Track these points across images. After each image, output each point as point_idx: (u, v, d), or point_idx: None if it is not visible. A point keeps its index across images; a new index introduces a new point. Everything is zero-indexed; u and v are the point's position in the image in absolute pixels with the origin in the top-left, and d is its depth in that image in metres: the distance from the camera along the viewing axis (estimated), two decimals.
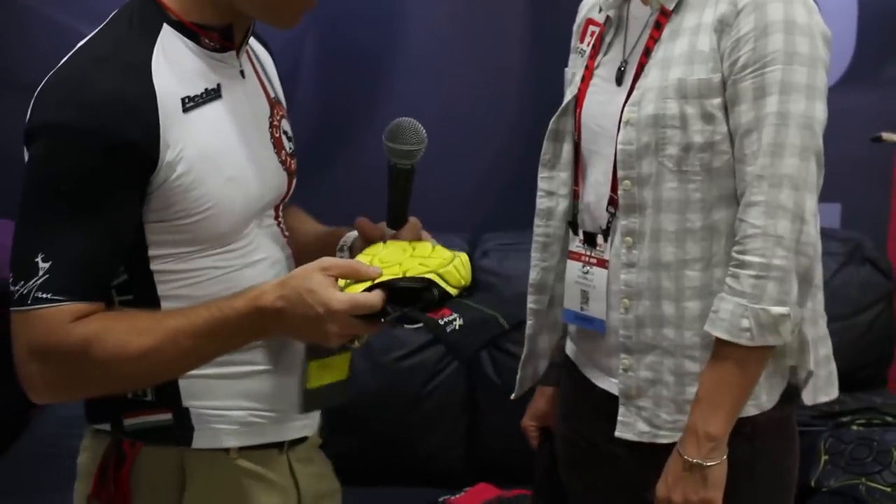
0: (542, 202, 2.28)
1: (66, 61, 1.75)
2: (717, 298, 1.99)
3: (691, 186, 2.02)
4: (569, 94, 2.23)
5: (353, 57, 3.93)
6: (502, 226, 3.86)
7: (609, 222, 2.13)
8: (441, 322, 1.73)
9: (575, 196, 2.23)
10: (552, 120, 2.24)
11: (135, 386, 1.81)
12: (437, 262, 1.79)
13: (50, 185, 1.67)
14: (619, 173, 2.07)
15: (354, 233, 2.04)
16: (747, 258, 1.95)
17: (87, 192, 1.66)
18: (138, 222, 1.73)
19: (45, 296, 1.65)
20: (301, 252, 2.02)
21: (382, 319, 1.73)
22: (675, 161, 2.02)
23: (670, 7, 2.06)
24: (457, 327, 1.73)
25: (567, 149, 2.22)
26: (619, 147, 2.07)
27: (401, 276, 1.76)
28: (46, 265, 1.65)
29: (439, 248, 1.86)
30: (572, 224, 2.23)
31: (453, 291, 1.79)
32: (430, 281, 1.76)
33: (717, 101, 1.98)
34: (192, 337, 1.71)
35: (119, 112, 1.65)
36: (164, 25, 1.78)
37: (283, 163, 1.95)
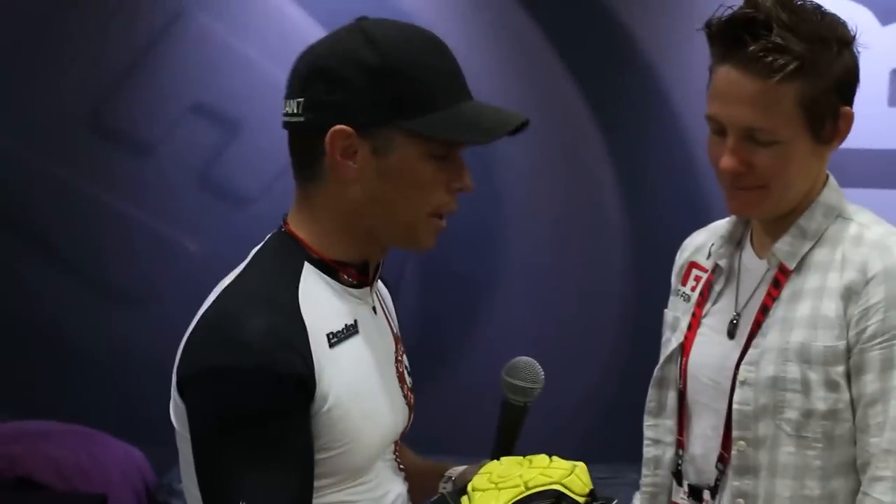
0: (648, 451, 2.23)
1: (213, 304, 1.76)
2: None
3: (811, 453, 1.97)
4: (674, 340, 2.19)
5: (452, 280, 3.96)
6: (597, 457, 3.79)
7: (718, 479, 2.07)
8: None
9: (679, 445, 2.17)
10: (657, 367, 2.21)
11: None
12: (560, 472, 1.79)
13: (228, 431, 1.66)
14: (735, 433, 2.03)
15: (462, 467, 2.02)
16: None
17: (265, 429, 1.66)
18: (313, 448, 1.74)
19: None
20: (411, 482, 2.00)
21: None
22: (795, 426, 1.97)
23: (791, 266, 2.03)
24: None
25: (672, 396, 2.18)
26: (735, 407, 2.03)
27: (523, 488, 1.75)
28: None
29: (556, 459, 1.84)
30: (676, 474, 2.17)
31: (581, 501, 1.77)
32: (558, 493, 1.76)
33: (841, 368, 1.95)
34: None
35: (279, 347, 1.67)
36: (306, 263, 1.81)
37: (405, 397, 1.95)
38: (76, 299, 4.45)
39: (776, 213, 2.04)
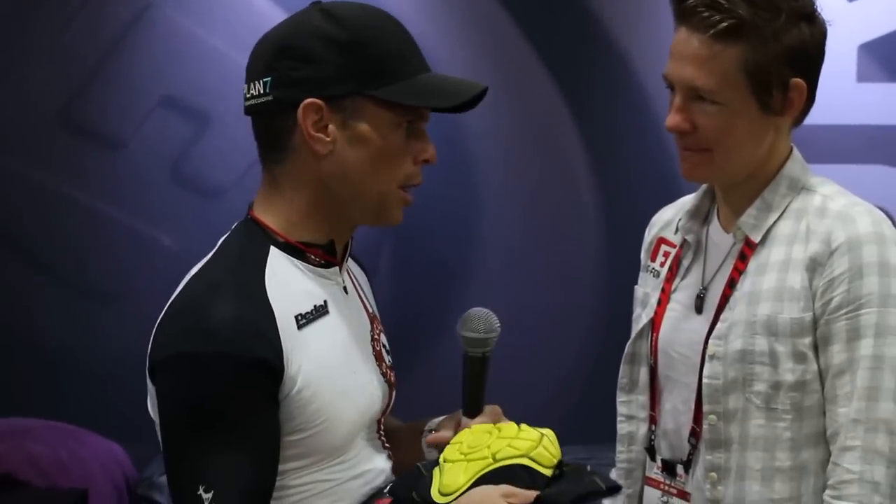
0: (622, 427, 2.24)
1: (180, 292, 1.79)
2: None
3: (781, 425, 1.98)
4: (644, 316, 2.20)
5: (425, 268, 3.96)
6: (575, 439, 3.80)
7: (690, 454, 2.08)
8: None
9: (651, 421, 2.19)
10: (628, 343, 2.22)
11: None
12: (527, 444, 1.80)
13: (190, 417, 1.70)
14: (705, 407, 2.04)
15: (436, 420, 2.05)
16: None
17: (228, 416, 1.69)
18: (279, 433, 1.76)
19: None
20: (396, 451, 2.03)
21: None
22: (764, 398, 1.98)
23: (756, 239, 2.04)
24: None
25: (643, 372, 2.19)
26: (704, 381, 2.04)
27: (491, 460, 1.78)
28: (209, 495, 1.67)
29: (525, 427, 1.86)
30: (649, 450, 2.18)
31: (548, 473, 1.79)
32: (525, 468, 1.78)
33: (809, 340, 1.96)
34: None
35: (244, 333, 1.70)
36: (272, 248, 1.83)
37: (384, 375, 1.97)
38: (52, 296, 4.44)
39: (726, 180, 2.06)
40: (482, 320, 1.95)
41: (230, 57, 4.16)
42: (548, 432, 1.84)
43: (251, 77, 1.83)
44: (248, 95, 1.84)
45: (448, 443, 1.89)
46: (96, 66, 4.36)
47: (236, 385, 1.69)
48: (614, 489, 1.86)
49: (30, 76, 4.34)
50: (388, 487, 1.89)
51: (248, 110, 1.85)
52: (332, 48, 1.78)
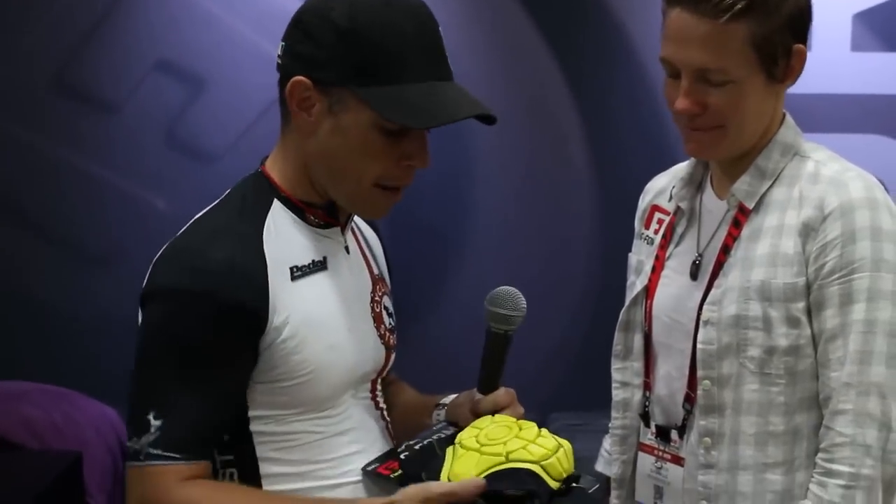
0: (617, 394, 2.25)
1: (182, 233, 1.83)
2: None
3: (774, 390, 1.99)
4: (638, 283, 2.21)
5: (420, 235, 3.96)
6: (569, 406, 3.82)
7: (685, 419, 2.09)
8: None
9: (646, 387, 2.20)
10: (623, 310, 2.22)
11: None
12: (542, 452, 1.80)
13: (163, 346, 1.76)
14: (699, 373, 2.05)
15: (451, 396, 2.07)
16: (835, 467, 1.92)
17: (199, 354, 1.74)
18: (246, 383, 1.80)
19: (156, 452, 1.72)
20: (402, 419, 2.06)
21: None
22: (758, 363, 1.99)
23: (750, 206, 2.04)
24: None
25: (638, 339, 2.20)
26: (699, 346, 2.05)
27: (503, 459, 1.77)
28: (158, 422, 1.73)
29: (545, 433, 1.85)
30: (643, 416, 2.19)
31: (554, 485, 1.78)
32: (534, 475, 1.77)
33: (802, 304, 1.97)
34: None
35: (231, 277, 1.74)
36: (275, 201, 1.87)
37: (381, 337, 1.99)
38: (46, 260, 4.44)
39: (733, 153, 2.06)
40: (510, 298, 1.97)
41: (225, 21, 4.14)
42: (565, 444, 1.84)
43: (282, 37, 1.87)
44: (277, 54, 1.87)
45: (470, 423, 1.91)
46: (91, 29, 4.34)
47: (214, 326, 1.74)
48: None
49: (24, 39, 4.33)
50: (404, 456, 1.89)
51: (277, 68, 1.88)
52: (330, 33, 1.79)
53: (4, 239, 4.44)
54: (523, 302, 1.98)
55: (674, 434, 2.12)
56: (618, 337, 2.24)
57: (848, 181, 1.98)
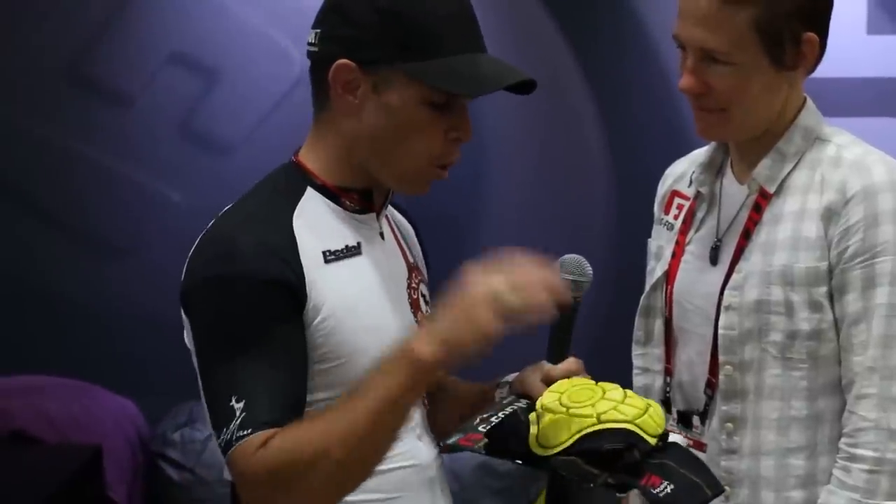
0: (638, 380, 2.24)
1: (211, 226, 1.85)
2: (825, 491, 1.96)
3: (796, 374, 1.99)
4: (658, 268, 2.20)
5: (435, 223, 3.95)
6: None
7: (706, 405, 2.09)
8: (654, 491, 1.70)
9: (667, 373, 2.19)
10: (643, 296, 2.22)
11: (352, 477, 1.76)
12: (634, 411, 1.78)
13: (217, 333, 1.76)
14: (721, 358, 2.04)
15: (512, 375, 2.03)
16: (859, 451, 1.92)
17: (255, 330, 1.74)
18: (305, 347, 1.79)
19: (244, 433, 1.71)
20: (448, 406, 2.04)
21: (592, 485, 1.72)
22: (780, 348, 1.99)
23: (772, 190, 2.04)
24: (669, 491, 1.71)
25: (658, 324, 2.20)
26: (720, 332, 2.04)
27: (595, 420, 1.75)
28: (241, 405, 1.71)
29: (632, 394, 1.83)
30: (665, 402, 2.18)
31: (652, 441, 1.76)
32: (632, 433, 1.74)
33: (824, 289, 1.97)
34: (362, 398, 1.71)
35: (265, 256, 1.76)
36: (308, 188, 1.87)
37: (419, 323, 1.97)
38: (62, 252, 4.44)
39: (742, 137, 2.06)
40: (576, 264, 1.98)
41: (239, 13, 4.14)
42: (653, 404, 1.82)
43: (313, 25, 1.87)
44: (308, 42, 1.87)
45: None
46: (105, 21, 4.34)
47: (259, 302, 1.74)
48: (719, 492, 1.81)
49: (38, 31, 4.33)
50: (486, 427, 1.85)
51: (308, 56, 1.88)
52: (371, 13, 1.80)
53: (21, 232, 4.44)
54: (590, 269, 1.98)
55: (695, 420, 2.11)
56: (638, 322, 2.23)
57: (870, 165, 1.98)
